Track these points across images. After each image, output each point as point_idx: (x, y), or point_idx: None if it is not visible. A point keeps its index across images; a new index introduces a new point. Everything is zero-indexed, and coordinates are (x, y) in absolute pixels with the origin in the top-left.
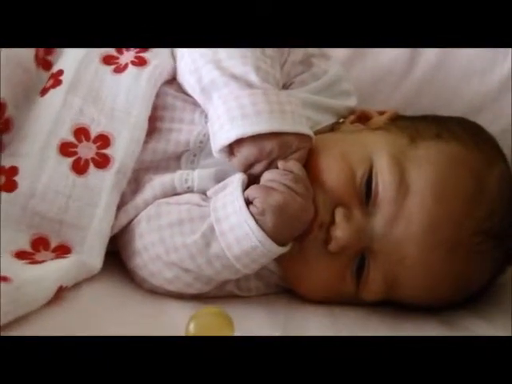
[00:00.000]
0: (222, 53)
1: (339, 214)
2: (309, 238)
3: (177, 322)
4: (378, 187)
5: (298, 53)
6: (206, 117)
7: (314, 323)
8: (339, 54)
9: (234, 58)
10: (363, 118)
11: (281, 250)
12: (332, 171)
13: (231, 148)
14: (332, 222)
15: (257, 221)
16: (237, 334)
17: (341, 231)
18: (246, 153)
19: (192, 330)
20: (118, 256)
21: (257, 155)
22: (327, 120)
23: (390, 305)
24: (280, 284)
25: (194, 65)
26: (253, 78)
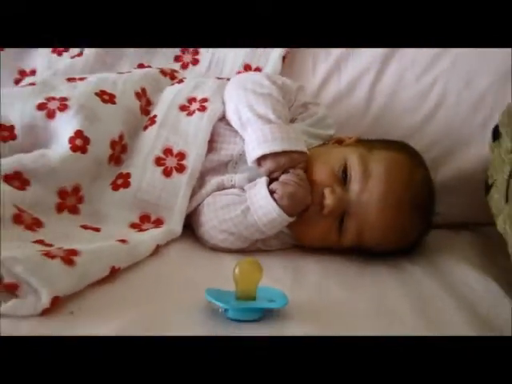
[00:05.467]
0: (252, 100)
1: (327, 191)
2: (309, 210)
3: (227, 266)
4: (351, 174)
5: (299, 100)
6: (243, 140)
7: (312, 267)
8: (325, 100)
9: (260, 104)
10: (339, 141)
11: (291, 219)
12: (320, 171)
13: (259, 161)
14: (322, 199)
15: (277, 203)
16: (263, 275)
17: (329, 200)
18: (268, 165)
19: (237, 272)
20: (190, 227)
21: (275, 166)
22: (316, 143)
23: (361, 253)
24: (290, 242)
25: (236, 108)
26: (271, 116)
